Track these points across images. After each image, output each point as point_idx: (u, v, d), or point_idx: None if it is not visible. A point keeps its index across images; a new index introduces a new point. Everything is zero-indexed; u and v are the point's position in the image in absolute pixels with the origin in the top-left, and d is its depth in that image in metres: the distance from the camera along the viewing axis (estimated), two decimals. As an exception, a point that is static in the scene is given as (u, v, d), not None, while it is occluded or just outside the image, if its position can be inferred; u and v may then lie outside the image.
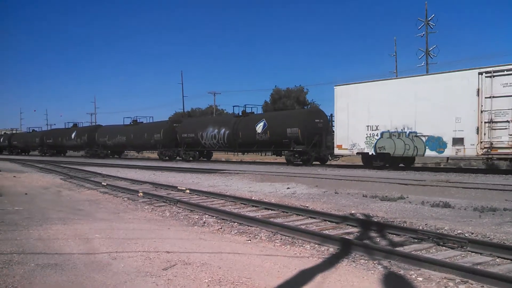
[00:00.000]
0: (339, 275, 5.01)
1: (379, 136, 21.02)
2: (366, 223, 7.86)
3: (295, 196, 12.39)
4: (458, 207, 9.77)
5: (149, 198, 11.98)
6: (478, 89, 17.58)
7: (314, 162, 25.48)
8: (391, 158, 20.80)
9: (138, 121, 41.87)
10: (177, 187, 14.09)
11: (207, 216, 9.21)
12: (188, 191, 13.20)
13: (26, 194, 13.42)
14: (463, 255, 5.89)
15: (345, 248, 6.13)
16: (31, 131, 61.15)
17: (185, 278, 4.79)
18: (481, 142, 17.41)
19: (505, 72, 17.05)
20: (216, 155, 37.73)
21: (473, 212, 9.21)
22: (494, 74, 17.27)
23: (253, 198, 11.69)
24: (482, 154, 17.53)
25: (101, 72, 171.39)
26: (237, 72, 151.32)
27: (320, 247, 6.42)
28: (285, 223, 8.13)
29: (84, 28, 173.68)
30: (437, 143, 18.90)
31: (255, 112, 31.14)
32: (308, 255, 6.01)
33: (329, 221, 8.42)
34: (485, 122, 17.39)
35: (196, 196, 12.49)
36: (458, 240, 6.30)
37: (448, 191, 12.19)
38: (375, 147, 21.16)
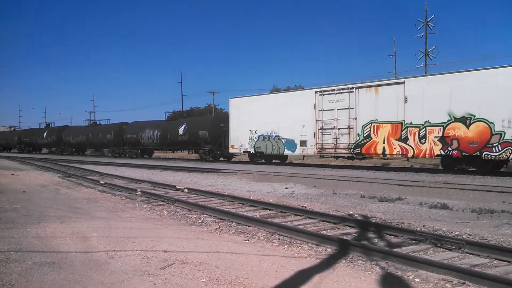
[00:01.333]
0: (336, 275, 5.01)
1: (257, 138, 27.04)
2: (364, 224, 7.86)
3: (293, 196, 12.39)
4: (456, 209, 9.78)
5: (147, 197, 11.98)
6: (315, 104, 23.48)
7: (221, 159, 31.89)
8: (265, 155, 27.06)
9: (97, 123, 50.23)
10: (175, 186, 14.08)
11: (205, 215, 9.21)
12: (186, 190, 13.20)
13: (24, 192, 13.41)
14: (460, 257, 5.90)
15: (343, 249, 6.13)
16: (12, 130, 69.37)
17: (183, 278, 4.79)
18: (316, 144, 23.49)
19: (330, 92, 23.04)
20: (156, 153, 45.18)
21: (470, 214, 9.22)
22: (324, 93, 23.17)
23: (251, 197, 11.69)
24: (317, 152, 23.65)
25: (100, 70, 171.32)
26: (237, 71, 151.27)
27: (318, 247, 6.42)
28: (283, 223, 8.13)
29: (83, 25, 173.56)
30: (291, 144, 24.97)
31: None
32: (306, 255, 6.02)
33: (327, 221, 8.42)
34: (318, 129, 23.44)
35: (194, 195, 12.49)
36: (456, 241, 6.31)
37: (446, 193, 12.20)
38: (254, 147, 27.15)
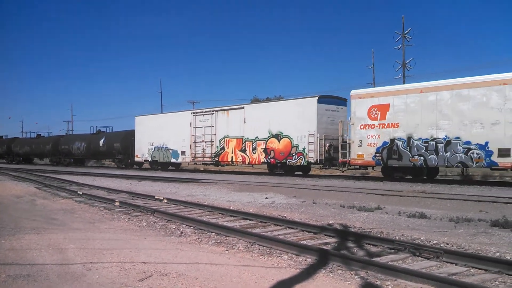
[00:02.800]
0: (316, 285, 5.00)
1: (153, 149, 33.59)
2: (344, 234, 7.88)
3: (273, 206, 12.38)
4: (434, 218, 9.89)
5: (125, 208, 11.82)
6: (190, 123, 30.25)
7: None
8: (159, 163, 33.64)
9: (41, 135, 56.12)
10: (154, 196, 13.94)
11: (184, 226, 9.12)
12: (165, 200, 13.08)
13: (-2, 203, 13.12)
14: (438, 266, 5.95)
15: (322, 259, 6.13)
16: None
17: (161, 289, 4.73)
18: (191, 154, 30.18)
19: (200, 113, 29.96)
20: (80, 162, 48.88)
21: (448, 223, 9.33)
22: (197, 114, 30.29)
23: (231, 208, 11.64)
24: (192, 160, 30.65)
25: (80, 79, 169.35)
26: (217, 82, 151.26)
27: (297, 257, 6.41)
28: (263, 233, 8.10)
29: (61, 35, 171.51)
30: (176, 154, 31.68)
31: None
32: (285, 265, 6.00)
33: (307, 231, 8.42)
34: (193, 142, 30.06)
35: (174, 205, 12.38)
36: (434, 250, 6.36)
37: (424, 202, 12.34)
38: (151, 156, 33.87)
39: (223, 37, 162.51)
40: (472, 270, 5.71)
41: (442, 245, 7.02)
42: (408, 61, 44.57)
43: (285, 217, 10.14)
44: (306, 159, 23.23)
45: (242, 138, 26.74)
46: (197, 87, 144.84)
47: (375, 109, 20.24)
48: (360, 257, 6.20)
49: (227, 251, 6.92)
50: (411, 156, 19.02)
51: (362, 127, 20.64)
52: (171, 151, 31.96)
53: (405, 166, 19.50)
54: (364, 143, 20.55)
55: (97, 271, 5.46)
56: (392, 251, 6.74)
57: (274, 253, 6.70)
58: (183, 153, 30.92)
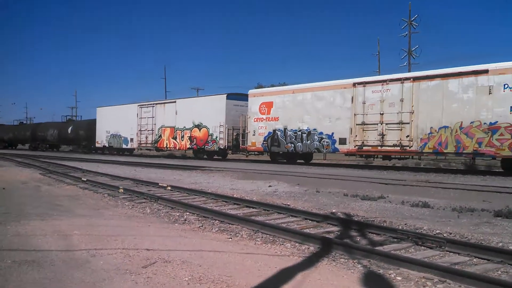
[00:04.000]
0: (319, 273, 5.03)
1: (110, 137, 38.88)
2: (347, 222, 7.91)
3: (276, 194, 12.41)
4: (437, 207, 9.89)
5: (129, 195, 11.87)
6: (137, 114, 35.44)
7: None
8: (114, 148, 38.70)
9: (23, 123, 62.80)
10: (158, 183, 13.99)
11: (188, 213, 9.17)
12: (169, 188, 13.13)
13: (3, 189, 13.19)
14: (441, 255, 5.97)
15: (325, 247, 6.16)
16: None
17: (165, 276, 4.76)
18: (138, 140, 35.59)
19: (144, 106, 35.21)
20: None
21: (451, 212, 9.33)
22: (142, 106, 35.39)
23: (234, 195, 11.67)
24: (138, 146, 36.38)
25: (83, 65, 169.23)
26: (221, 68, 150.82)
27: (301, 245, 6.44)
28: (266, 221, 8.13)
29: (66, 19, 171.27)
30: (126, 140, 37.01)
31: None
32: (289, 253, 6.03)
33: (310, 219, 8.45)
34: (139, 130, 35.42)
35: (178, 193, 12.43)
36: (437, 240, 6.38)
37: (427, 191, 12.34)
38: (108, 142, 39.19)
39: (227, 22, 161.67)
40: (474, 260, 5.73)
41: (445, 235, 7.03)
42: (414, 48, 44.36)
43: (288, 205, 10.17)
44: (218, 145, 28.58)
45: (174, 127, 32.21)
46: (201, 74, 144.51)
47: (264, 106, 25.36)
48: (363, 246, 6.23)
49: (230, 239, 6.96)
50: (286, 143, 24.15)
51: (255, 120, 25.77)
52: (123, 138, 37.54)
53: (282, 151, 24.72)
54: (256, 133, 25.67)
55: (102, 257, 5.50)
56: (395, 240, 6.76)
57: (277, 241, 6.73)
58: (132, 140, 36.42)
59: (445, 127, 18.37)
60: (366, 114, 20.86)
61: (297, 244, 6.52)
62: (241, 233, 7.34)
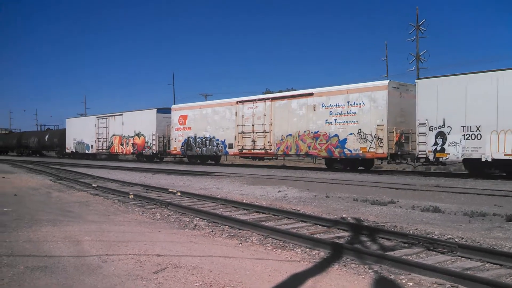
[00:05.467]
0: (330, 279, 5.02)
1: (76, 143, 45.30)
2: (357, 227, 7.88)
3: (286, 199, 12.40)
4: (448, 212, 9.83)
5: (139, 201, 11.92)
6: (95, 124, 41.86)
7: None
8: (79, 154, 45.00)
9: (12, 131, 69.91)
10: (168, 189, 14.04)
11: (198, 219, 9.18)
12: (179, 193, 13.16)
13: (15, 195, 13.31)
14: (453, 260, 5.93)
15: (336, 252, 6.14)
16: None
17: (176, 282, 4.78)
18: (96, 147, 41.87)
19: (100, 117, 41.82)
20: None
21: (462, 217, 9.27)
22: (99, 118, 42.02)
23: (244, 201, 11.68)
24: (96, 151, 42.38)
25: (93, 72, 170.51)
26: (230, 74, 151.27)
27: (311, 251, 6.42)
28: (276, 226, 8.13)
29: (75, 27, 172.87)
30: (88, 147, 43.16)
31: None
32: (299, 259, 6.02)
33: (320, 225, 8.43)
34: (97, 138, 41.72)
35: (187, 198, 12.46)
36: (448, 245, 6.34)
37: (438, 196, 12.27)
38: (74, 148, 45.75)
39: (235, 25, 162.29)
40: (487, 265, 5.68)
41: (456, 240, 6.99)
42: (422, 53, 44.13)
43: (298, 210, 10.16)
44: (152, 150, 35.15)
45: (122, 136, 38.47)
46: (210, 80, 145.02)
47: (182, 118, 31.94)
48: (374, 251, 6.20)
49: (240, 244, 6.96)
50: (196, 148, 30.68)
51: (176, 129, 32.29)
52: (85, 145, 43.72)
53: (194, 154, 31.53)
54: (177, 140, 32.08)
55: (113, 263, 5.53)
56: (406, 245, 6.73)
57: (287, 247, 6.73)
58: (92, 146, 42.59)
59: (290, 135, 24.58)
60: (244, 125, 27.26)
61: (307, 249, 6.51)
62: (251, 238, 7.34)
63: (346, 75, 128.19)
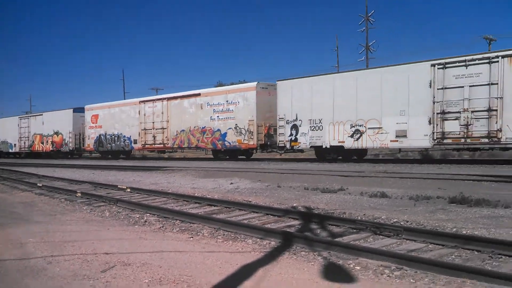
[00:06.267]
0: (280, 268, 5.07)
1: (0, 142, 46.44)
2: (307, 216, 7.99)
3: (238, 191, 12.41)
4: (394, 197, 10.13)
5: (87, 198, 11.61)
6: (18, 124, 43.72)
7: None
8: (3, 153, 45.35)
9: None
10: (117, 186, 13.75)
11: (148, 214, 9.05)
12: (129, 189, 12.92)
13: (-47, 198, 12.66)
14: (398, 243, 6.11)
15: (286, 241, 6.20)
16: None
17: (125, 279, 4.69)
18: (19, 145, 43.64)
19: (22, 117, 43.58)
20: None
21: (408, 201, 9.57)
22: (21, 118, 43.63)
23: (195, 194, 11.61)
24: (19, 150, 43.98)
25: (36, 69, 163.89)
26: (181, 67, 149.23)
27: (262, 241, 6.46)
28: (228, 218, 8.13)
29: (20, 22, 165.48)
30: (11, 146, 45.08)
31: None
32: (250, 249, 6.04)
33: (271, 214, 8.49)
34: (19, 137, 43.59)
35: (137, 194, 12.25)
36: (394, 228, 6.53)
37: (385, 182, 12.61)
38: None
39: (186, 21, 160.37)
40: (430, 246, 5.89)
41: (402, 223, 7.22)
42: (371, 43, 45.25)
43: (250, 201, 10.19)
44: (69, 147, 37.47)
45: (42, 134, 40.44)
46: (162, 74, 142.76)
47: (93, 117, 34.81)
48: (323, 238, 6.31)
49: (191, 238, 6.91)
50: (106, 144, 33.64)
51: (89, 127, 35.11)
52: (9, 144, 45.25)
53: (105, 150, 34.21)
54: (90, 137, 34.97)
55: (58, 264, 5.36)
56: (354, 230, 6.88)
57: (239, 238, 6.73)
58: (15, 145, 44.19)
59: (183, 130, 27.87)
60: (146, 123, 30.40)
61: (258, 239, 6.54)
62: (202, 232, 7.30)
63: (298, 67, 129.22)
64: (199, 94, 27.06)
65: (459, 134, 17.21)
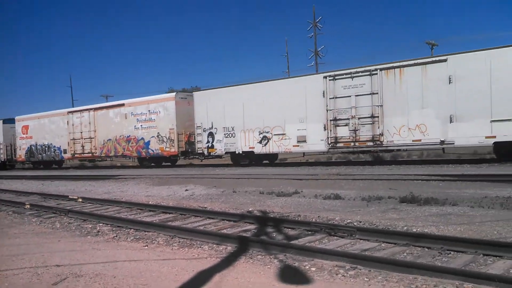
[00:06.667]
0: (236, 272, 5.06)
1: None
2: (263, 220, 8.02)
3: (193, 197, 12.32)
4: (348, 198, 10.32)
5: (37, 210, 11.20)
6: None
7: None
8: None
9: None
10: (68, 196, 13.36)
11: (101, 224, 8.83)
12: (80, 199, 12.57)
13: None
14: (352, 243, 6.24)
15: (243, 246, 6.21)
16: None
17: (77, 291, 4.56)
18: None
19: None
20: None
21: (361, 202, 9.78)
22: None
23: (150, 202, 11.43)
24: None
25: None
26: (132, 74, 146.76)
27: (218, 246, 6.44)
28: (183, 225, 8.06)
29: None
30: None
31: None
32: (206, 255, 6.01)
33: (227, 220, 8.48)
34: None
35: (90, 204, 11.94)
36: (348, 229, 6.66)
37: (338, 184, 12.85)
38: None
39: (136, 26, 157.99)
40: (383, 245, 6.05)
41: (355, 224, 7.37)
42: (320, 48, 46.10)
43: (205, 207, 10.13)
44: (0, 159, 36.47)
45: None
46: (112, 80, 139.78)
47: (24, 128, 35.00)
48: (279, 241, 6.36)
49: (146, 247, 6.80)
50: (37, 154, 33.97)
51: (20, 138, 35.33)
52: None
53: (36, 160, 34.52)
54: (21, 148, 35.15)
55: (7, 278, 5.16)
56: (309, 232, 6.96)
57: (194, 245, 6.68)
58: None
59: (110, 139, 28.81)
60: (75, 133, 31.20)
61: (214, 245, 6.52)
62: (157, 239, 7.20)
63: (248, 72, 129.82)
64: (123, 104, 28.37)
65: (349, 138, 19.09)
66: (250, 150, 22.21)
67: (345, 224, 7.31)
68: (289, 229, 7.30)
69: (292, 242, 6.26)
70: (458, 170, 14.27)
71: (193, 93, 25.18)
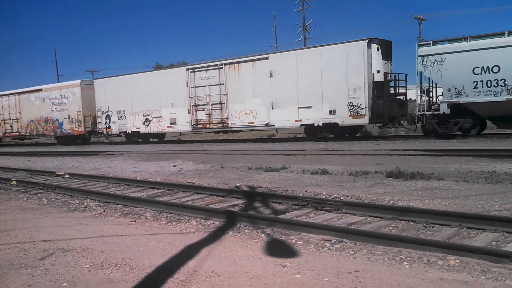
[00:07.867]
0: (224, 246, 5.10)
1: None
2: (251, 195, 8.07)
3: (181, 173, 12.32)
4: (335, 173, 10.39)
5: (23, 186, 11.14)
6: None
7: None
8: None
9: None
10: (55, 172, 13.29)
11: (88, 200, 8.82)
12: (67, 175, 12.51)
13: None
14: (339, 217, 6.31)
15: (230, 220, 6.25)
16: None
17: (64, 266, 4.56)
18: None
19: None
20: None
21: (348, 177, 9.85)
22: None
23: (138, 178, 11.42)
24: None
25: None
26: (118, 49, 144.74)
27: (206, 221, 6.47)
28: (171, 200, 8.08)
29: None
30: None
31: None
32: (194, 230, 6.04)
33: (215, 195, 8.51)
34: None
35: (77, 180, 11.89)
36: (334, 203, 6.73)
37: (326, 159, 12.91)
38: None
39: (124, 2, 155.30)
40: (369, 219, 6.12)
41: (342, 198, 7.44)
42: (308, 23, 45.80)
43: (193, 183, 10.15)
44: None
45: None
46: (98, 55, 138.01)
47: None
48: (266, 216, 6.41)
49: (134, 222, 6.82)
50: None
51: None
52: None
53: None
54: None
55: (-7, 254, 5.14)
56: (297, 207, 7.02)
57: (182, 219, 6.71)
58: None
59: (32, 120, 32.55)
60: (4, 114, 34.62)
61: (202, 220, 6.55)
62: (145, 215, 7.21)
63: (240, 47, 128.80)
64: (41, 90, 32.13)
65: (206, 121, 23.69)
66: (137, 130, 26.68)
67: (332, 198, 7.38)
68: (277, 204, 7.35)
69: (279, 216, 6.31)
70: (445, 145, 14.40)
71: (94, 80, 30.05)
